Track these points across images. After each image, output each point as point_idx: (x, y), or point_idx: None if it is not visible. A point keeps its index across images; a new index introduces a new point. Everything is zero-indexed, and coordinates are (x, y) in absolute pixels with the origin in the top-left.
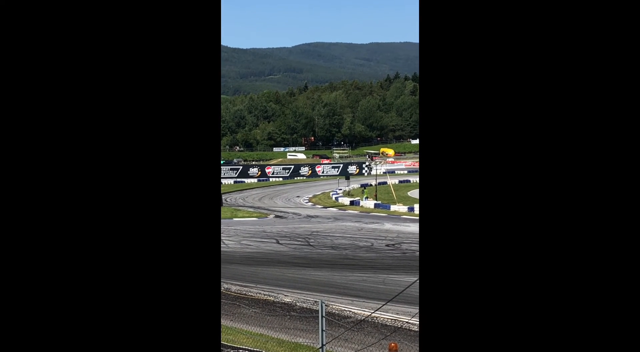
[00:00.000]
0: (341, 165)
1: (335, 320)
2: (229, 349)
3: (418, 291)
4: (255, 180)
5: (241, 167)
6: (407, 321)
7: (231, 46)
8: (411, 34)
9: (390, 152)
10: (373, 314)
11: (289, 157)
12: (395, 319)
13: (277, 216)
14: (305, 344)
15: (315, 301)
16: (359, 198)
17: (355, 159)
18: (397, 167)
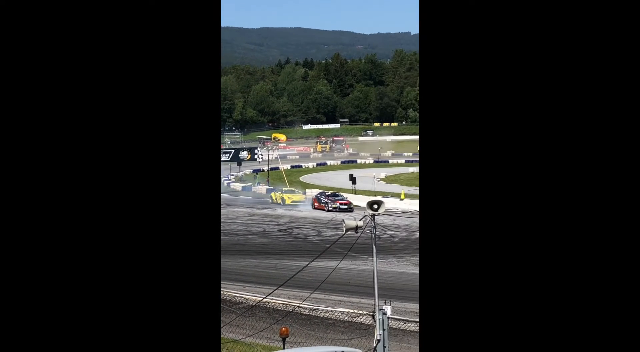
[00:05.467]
0: (232, 151)
1: (227, 306)
2: None
3: (311, 275)
4: None
5: None
6: (297, 305)
7: None
8: (302, 19)
9: (282, 137)
10: (265, 299)
11: None
12: (286, 304)
13: None
14: None
15: None
16: (250, 184)
17: (247, 145)
18: (288, 152)
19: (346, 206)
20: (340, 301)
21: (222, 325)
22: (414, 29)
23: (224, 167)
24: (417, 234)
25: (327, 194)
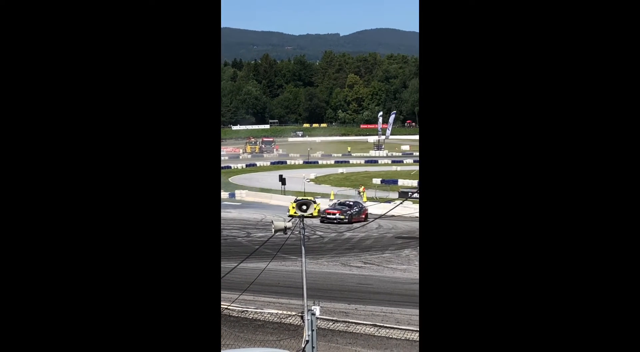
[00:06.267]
0: None
1: None
2: None
3: (240, 276)
4: None
5: None
6: (226, 306)
7: None
8: (231, 19)
9: None
10: None
11: None
12: None
13: None
14: None
15: None
16: None
17: None
18: None
19: (333, 216)
20: (270, 302)
21: None
22: (343, 30)
23: None
24: (346, 234)
25: (340, 202)
